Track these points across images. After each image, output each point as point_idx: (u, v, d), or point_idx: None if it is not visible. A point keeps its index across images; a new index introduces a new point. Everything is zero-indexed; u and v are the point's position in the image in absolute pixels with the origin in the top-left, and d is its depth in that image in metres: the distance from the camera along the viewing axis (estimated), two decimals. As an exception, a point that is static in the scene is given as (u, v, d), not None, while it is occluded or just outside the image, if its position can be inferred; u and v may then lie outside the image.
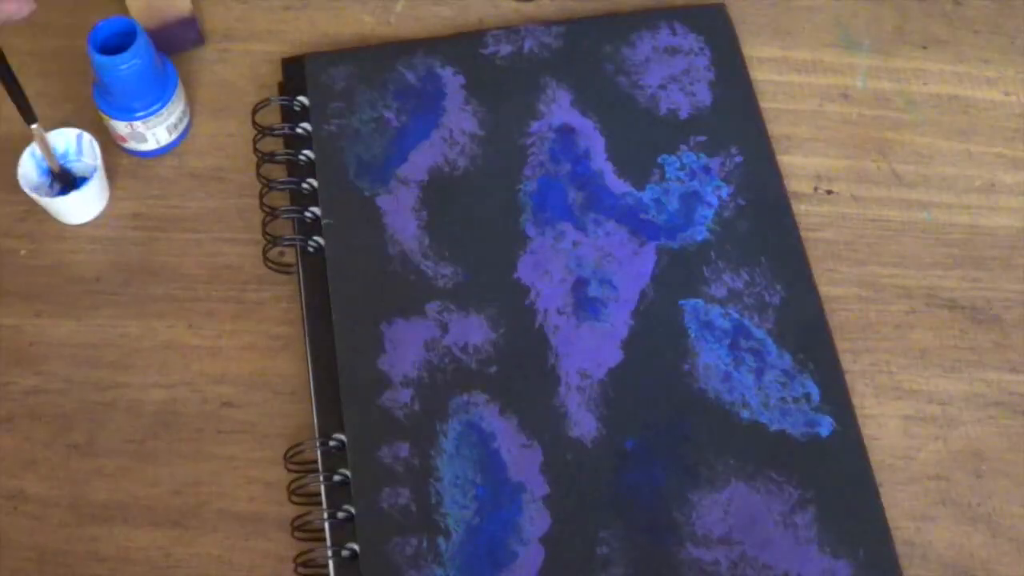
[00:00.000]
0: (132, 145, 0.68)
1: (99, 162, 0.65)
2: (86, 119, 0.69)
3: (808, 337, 0.62)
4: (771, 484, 0.58)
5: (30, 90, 0.71)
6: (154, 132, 0.67)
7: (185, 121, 0.69)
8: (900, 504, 0.59)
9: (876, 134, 0.70)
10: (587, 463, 0.58)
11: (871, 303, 0.65)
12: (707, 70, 0.70)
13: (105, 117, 0.67)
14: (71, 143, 0.67)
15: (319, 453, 0.59)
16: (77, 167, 0.67)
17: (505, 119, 0.68)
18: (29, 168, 0.65)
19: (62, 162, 0.67)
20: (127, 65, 0.63)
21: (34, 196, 0.64)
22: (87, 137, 0.66)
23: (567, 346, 0.61)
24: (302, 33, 0.73)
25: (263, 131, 0.68)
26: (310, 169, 0.67)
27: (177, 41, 0.71)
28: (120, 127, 0.67)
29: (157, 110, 0.66)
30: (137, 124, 0.66)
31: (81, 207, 0.66)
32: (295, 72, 0.70)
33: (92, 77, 0.67)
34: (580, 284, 0.63)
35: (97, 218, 0.67)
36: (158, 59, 0.66)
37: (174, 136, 0.69)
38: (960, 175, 0.69)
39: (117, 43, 0.64)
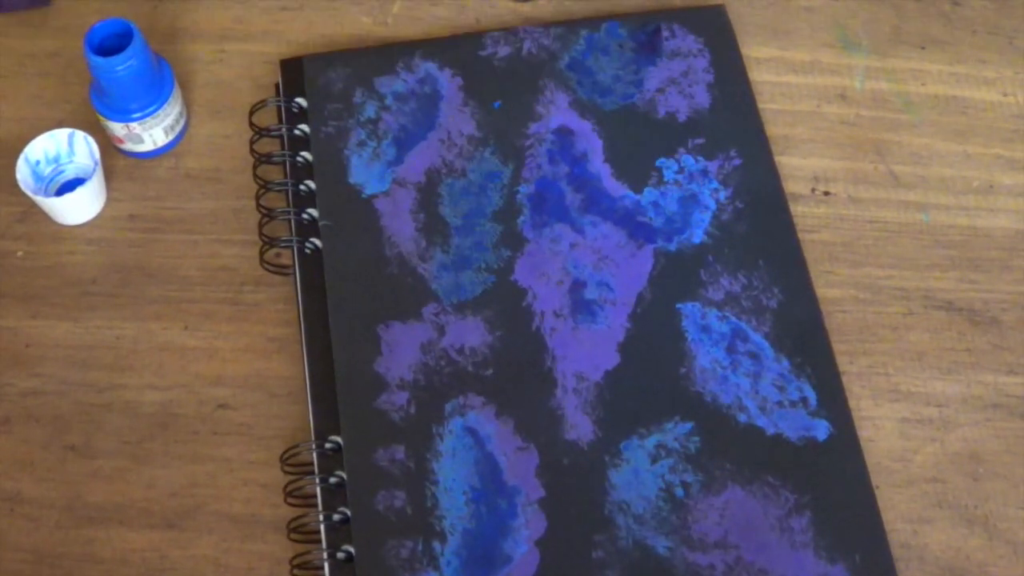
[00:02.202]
0: (129, 147, 0.68)
1: (97, 160, 0.65)
2: (83, 120, 0.69)
3: (805, 340, 0.62)
4: (768, 488, 0.58)
5: (27, 91, 0.71)
6: (151, 133, 0.67)
7: (182, 122, 0.69)
8: (897, 507, 0.59)
9: (874, 135, 0.70)
10: (583, 466, 0.58)
11: (868, 305, 0.65)
12: (706, 72, 0.70)
13: (102, 119, 0.67)
14: (62, 145, 0.66)
15: (315, 455, 0.59)
16: (71, 168, 0.67)
17: (503, 121, 0.68)
18: (25, 175, 0.65)
19: (55, 166, 0.67)
20: (123, 66, 0.63)
21: (32, 196, 0.64)
22: (80, 136, 0.66)
23: (564, 349, 0.61)
24: (299, 34, 0.73)
25: (260, 132, 0.68)
26: (307, 170, 0.67)
27: None
28: (117, 128, 0.67)
29: (154, 111, 0.66)
30: (134, 125, 0.66)
31: (80, 207, 0.66)
32: (293, 73, 0.70)
33: (89, 79, 0.67)
34: (577, 286, 0.63)
35: (94, 219, 0.67)
36: (154, 60, 0.66)
37: (171, 137, 0.69)
38: (958, 176, 0.69)
39: (113, 44, 0.64)
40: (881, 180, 0.69)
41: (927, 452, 0.61)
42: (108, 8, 0.73)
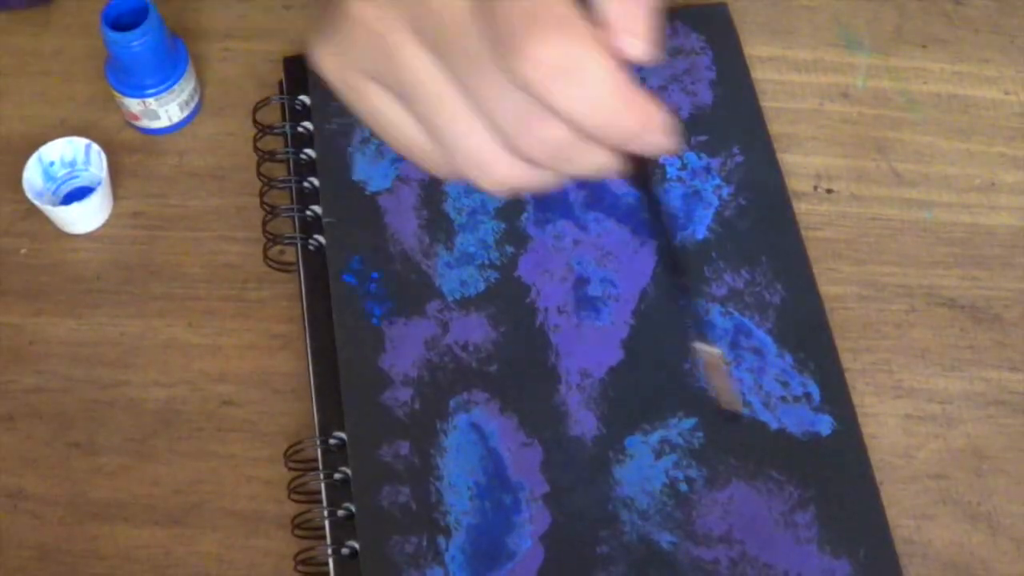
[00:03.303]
0: (145, 123, 0.68)
1: (104, 174, 0.65)
2: (86, 119, 0.70)
3: (809, 336, 0.62)
4: (771, 483, 0.58)
5: (29, 90, 0.72)
6: (167, 109, 0.68)
7: (196, 98, 0.70)
8: (900, 503, 0.59)
9: (876, 133, 0.70)
10: (587, 462, 0.58)
11: (871, 302, 0.65)
12: (708, 69, 0.70)
13: (118, 95, 0.67)
14: (79, 152, 0.66)
15: (319, 451, 0.59)
16: (84, 176, 0.67)
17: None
18: (34, 174, 0.65)
19: (70, 170, 0.67)
20: (139, 42, 0.64)
21: (37, 204, 0.64)
22: (95, 148, 0.66)
23: (568, 345, 0.61)
24: (303, 32, 0.73)
25: (264, 130, 0.68)
26: (311, 168, 0.67)
27: None
28: (133, 105, 0.67)
29: (170, 86, 0.67)
30: (150, 101, 0.67)
31: (84, 217, 0.66)
32: (296, 71, 0.70)
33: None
34: (581, 283, 0.63)
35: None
36: (169, 36, 0.66)
37: (186, 113, 0.69)
38: (960, 174, 0.69)
39: (129, 21, 0.65)
40: (883, 178, 0.69)
41: (930, 448, 0.61)
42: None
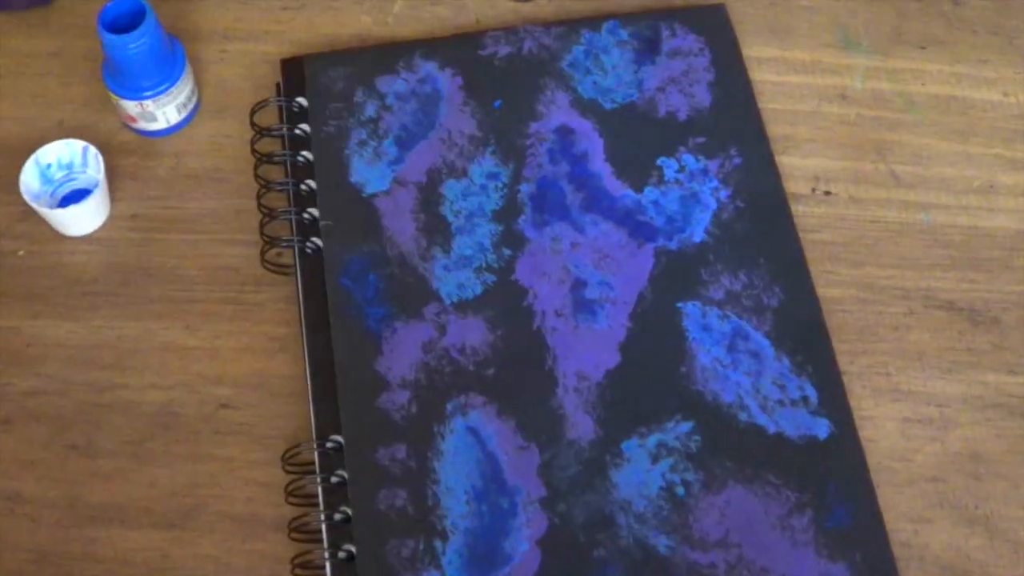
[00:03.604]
0: (142, 125, 0.68)
1: (102, 176, 0.65)
2: (84, 120, 0.70)
3: (806, 339, 0.62)
4: (769, 487, 0.58)
5: (27, 91, 0.71)
6: (164, 111, 0.68)
7: (194, 100, 0.69)
8: (898, 506, 0.59)
9: (874, 135, 0.70)
10: (584, 465, 0.58)
11: (869, 305, 0.65)
12: (706, 71, 0.70)
13: (114, 97, 0.67)
14: (76, 155, 0.66)
15: (316, 454, 0.59)
16: (82, 179, 0.67)
17: (503, 120, 0.68)
18: (31, 177, 0.65)
19: (67, 172, 0.67)
20: (136, 44, 0.64)
21: (34, 206, 0.64)
22: (92, 150, 0.66)
23: (565, 348, 0.61)
24: (300, 33, 0.73)
25: (261, 132, 0.68)
26: (308, 170, 0.67)
27: None
28: (130, 107, 0.67)
29: (167, 88, 0.67)
30: (147, 103, 0.67)
31: (81, 220, 0.66)
32: (293, 73, 0.70)
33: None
34: (578, 286, 0.63)
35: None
36: (167, 38, 0.66)
37: (183, 115, 0.69)
38: (958, 176, 0.69)
39: (126, 23, 0.65)
40: (882, 180, 0.69)
41: (928, 452, 0.61)
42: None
